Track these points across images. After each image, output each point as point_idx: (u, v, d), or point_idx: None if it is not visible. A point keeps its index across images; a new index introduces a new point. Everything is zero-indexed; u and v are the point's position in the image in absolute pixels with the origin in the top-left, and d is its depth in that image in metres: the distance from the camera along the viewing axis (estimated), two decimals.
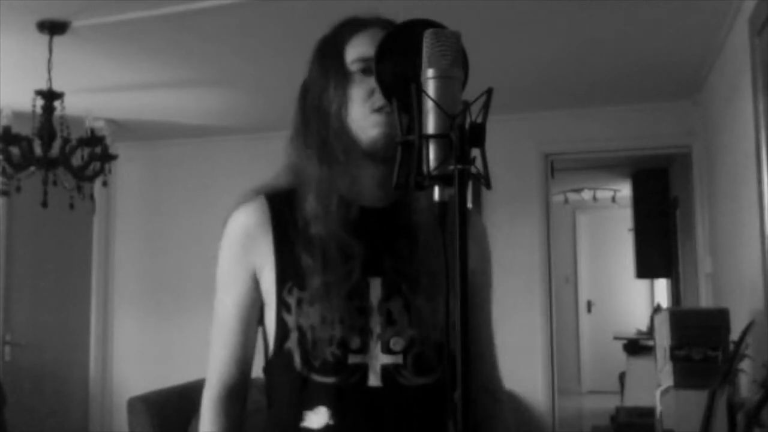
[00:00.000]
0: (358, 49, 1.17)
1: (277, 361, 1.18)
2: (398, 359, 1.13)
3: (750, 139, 2.58)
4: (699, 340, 2.34)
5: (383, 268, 1.15)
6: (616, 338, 6.52)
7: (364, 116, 1.14)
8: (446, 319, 0.96)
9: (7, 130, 3.13)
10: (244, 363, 1.25)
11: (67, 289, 5.13)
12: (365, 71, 1.14)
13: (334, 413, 1.12)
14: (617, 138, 4.55)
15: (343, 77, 1.16)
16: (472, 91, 0.96)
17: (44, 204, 3.14)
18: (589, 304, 8.83)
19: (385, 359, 1.13)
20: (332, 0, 2.83)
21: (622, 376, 5.90)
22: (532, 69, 3.76)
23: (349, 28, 1.20)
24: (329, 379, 1.12)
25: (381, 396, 1.12)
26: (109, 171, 3.47)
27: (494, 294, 1.35)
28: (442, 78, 0.89)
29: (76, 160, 3.37)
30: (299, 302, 1.14)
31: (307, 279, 1.13)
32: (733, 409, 2.05)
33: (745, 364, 2.13)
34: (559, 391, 4.68)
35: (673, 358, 2.35)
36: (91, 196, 3.60)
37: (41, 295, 4.87)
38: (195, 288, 5.14)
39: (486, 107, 0.89)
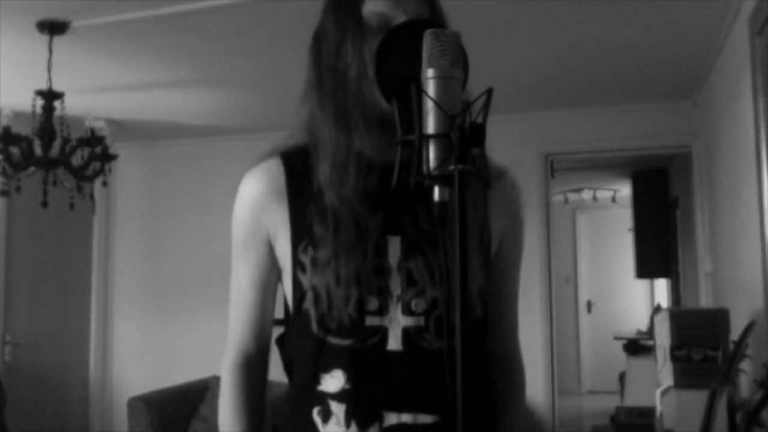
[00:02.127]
0: (377, 3, 1.11)
1: (296, 323, 1.14)
2: (420, 321, 1.08)
3: (750, 139, 2.58)
4: (699, 340, 2.34)
5: (402, 227, 1.10)
6: (616, 338, 6.51)
7: None
8: (446, 316, 0.96)
9: (7, 130, 3.14)
10: (262, 333, 1.22)
11: (67, 290, 5.13)
12: (384, 28, 1.08)
13: (351, 377, 1.08)
14: (617, 138, 4.55)
15: (361, 33, 1.10)
16: (472, 91, 0.96)
17: (44, 204, 3.15)
18: (589, 304, 8.83)
19: (406, 321, 1.08)
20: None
21: (622, 376, 5.90)
22: (532, 69, 3.76)
23: None
24: (345, 342, 1.08)
25: (401, 360, 1.07)
26: (109, 171, 3.47)
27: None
28: (442, 78, 0.89)
29: (76, 160, 3.37)
30: (314, 261, 1.09)
31: (322, 238, 1.09)
32: (733, 409, 2.05)
33: (745, 364, 2.13)
34: (559, 391, 4.68)
35: (673, 358, 2.35)
36: (91, 196, 3.60)
37: (41, 295, 4.87)
38: (195, 288, 5.14)
39: (486, 107, 0.89)
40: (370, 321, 1.08)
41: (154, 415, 4.14)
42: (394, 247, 1.10)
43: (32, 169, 3.21)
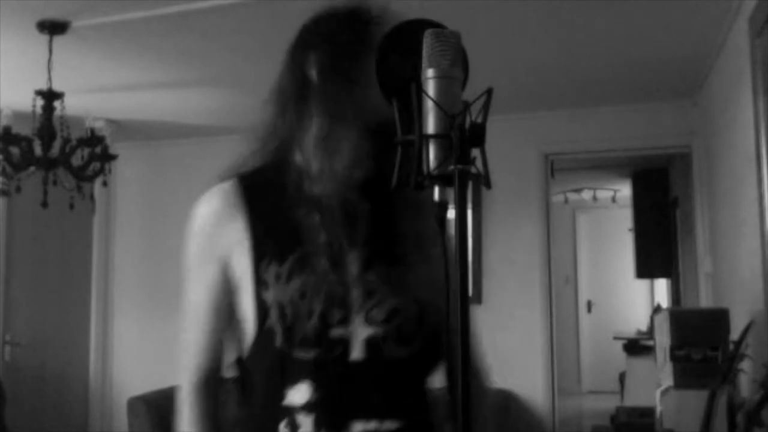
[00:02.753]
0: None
1: (258, 342, 1.16)
2: (380, 330, 1.12)
3: (750, 139, 2.58)
4: (699, 340, 2.34)
5: (363, 240, 1.15)
6: (616, 338, 6.52)
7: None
8: (447, 316, 0.96)
9: (7, 130, 3.14)
10: (217, 352, 1.24)
11: (67, 289, 5.13)
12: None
13: (317, 388, 1.11)
14: (617, 138, 4.55)
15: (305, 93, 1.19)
16: (472, 91, 0.96)
17: (44, 204, 3.15)
18: (589, 304, 8.84)
19: (367, 331, 1.12)
20: (331, 0, 2.84)
21: (622, 376, 5.90)
22: (532, 69, 3.76)
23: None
24: (310, 354, 1.11)
25: (363, 369, 1.11)
26: (109, 171, 3.47)
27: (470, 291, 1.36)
28: (442, 78, 0.89)
29: (76, 160, 3.37)
30: (277, 278, 1.12)
31: (284, 254, 1.13)
32: (733, 409, 2.05)
33: (745, 364, 2.13)
34: (559, 391, 4.68)
35: (673, 358, 2.35)
36: (91, 196, 3.60)
37: (41, 295, 4.87)
38: None
39: (486, 107, 0.89)
40: (334, 333, 1.11)
41: (154, 415, 4.14)
42: (354, 260, 1.14)
43: (32, 169, 3.21)
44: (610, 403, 5.42)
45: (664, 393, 2.37)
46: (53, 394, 4.89)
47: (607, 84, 4.06)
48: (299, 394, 1.11)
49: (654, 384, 2.56)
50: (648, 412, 2.65)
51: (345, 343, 1.11)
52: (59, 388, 4.97)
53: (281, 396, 1.12)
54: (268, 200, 1.17)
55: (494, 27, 3.10)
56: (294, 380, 1.12)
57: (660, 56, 3.54)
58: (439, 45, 0.89)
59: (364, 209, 1.15)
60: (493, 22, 3.05)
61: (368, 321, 1.12)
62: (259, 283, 1.14)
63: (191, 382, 1.24)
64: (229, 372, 1.27)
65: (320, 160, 1.15)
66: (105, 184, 3.49)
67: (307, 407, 1.10)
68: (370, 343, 1.11)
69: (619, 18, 3.04)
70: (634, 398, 4.46)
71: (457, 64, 0.90)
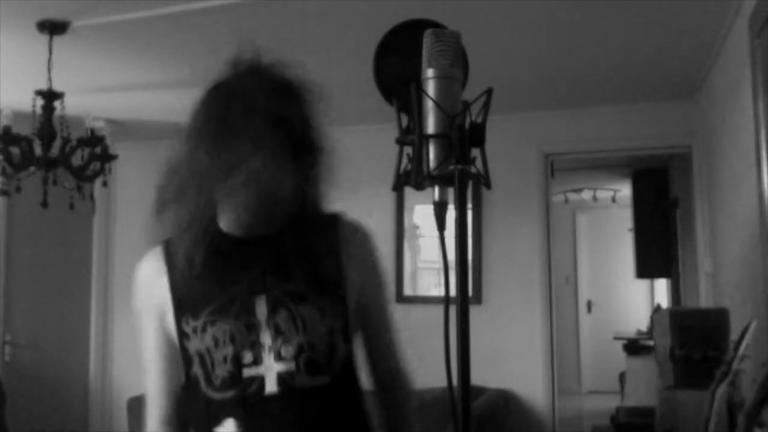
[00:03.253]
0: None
1: (187, 386, 1.31)
2: (290, 365, 1.23)
3: (750, 139, 2.58)
4: (699, 340, 2.34)
5: (266, 287, 1.26)
6: (616, 338, 6.52)
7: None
8: (446, 318, 0.96)
9: (7, 130, 3.13)
10: (173, 393, 1.37)
11: (67, 289, 5.13)
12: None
13: (240, 424, 1.23)
14: (617, 138, 4.55)
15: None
16: (472, 91, 0.95)
17: (44, 204, 3.14)
18: (589, 304, 8.83)
19: (279, 367, 1.23)
20: (331, 0, 2.84)
21: (622, 376, 5.90)
22: (532, 69, 3.75)
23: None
24: (229, 394, 1.23)
25: (279, 401, 1.22)
26: (109, 171, 3.47)
27: (390, 295, 1.48)
28: (442, 78, 0.89)
29: (76, 160, 3.36)
30: (194, 330, 1.26)
31: (200, 307, 1.26)
32: (733, 409, 2.05)
33: (745, 364, 2.13)
34: (559, 391, 4.68)
35: (673, 358, 2.35)
36: (91, 196, 3.60)
37: (41, 295, 4.87)
38: None
39: (486, 107, 0.89)
40: (248, 372, 1.24)
41: None
42: (261, 306, 1.26)
43: (32, 169, 3.21)
44: (610, 403, 5.42)
45: (664, 393, 2.37)
46: (53, 394, 4.89)
47: (607, 84, 4.06)
48: (226, 430, 1.24)
49: (654, 384, 2.56)
50: (648, 412, 2.65)
51: (260, 380, 1.23)
52: (59, 388, 4.97)
53: None
54: (185, 261, 1.29)
55: (494, 27, 3.10)
56: (219, 419, 1.24)
57: (660, 56, 3.54)
58: (439, 45, 0.89)
59: (266, 257, 1.28)
60: (493, 22, 3.05)
61: (279, 358, 1.24)
62: (182, 336, 1.28)
63: (155, 421, 1.37)
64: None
65: (224, 221, 1.30)
66: (105, 184, 3.49)
67: None
68: (282, 377, 1.23)
69: (619, 18, 3.04)
70: (634, 398, 4.46)
71: (457, 64, 0.90)
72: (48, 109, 3.23)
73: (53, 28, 3.03)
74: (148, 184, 5.16)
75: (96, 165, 3.39)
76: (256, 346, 1.24)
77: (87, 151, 3.35)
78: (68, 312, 5.12)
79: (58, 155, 3.23)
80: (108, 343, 5.32)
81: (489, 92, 0.89)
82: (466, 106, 0.88)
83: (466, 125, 0.86)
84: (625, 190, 7.46)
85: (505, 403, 4.36)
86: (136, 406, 4.18)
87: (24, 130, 3.22)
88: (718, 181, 3.62)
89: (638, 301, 8.33)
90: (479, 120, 0.88)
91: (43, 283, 4.89)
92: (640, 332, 6.58)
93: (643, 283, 8.12)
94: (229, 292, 1.26)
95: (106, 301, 5.33)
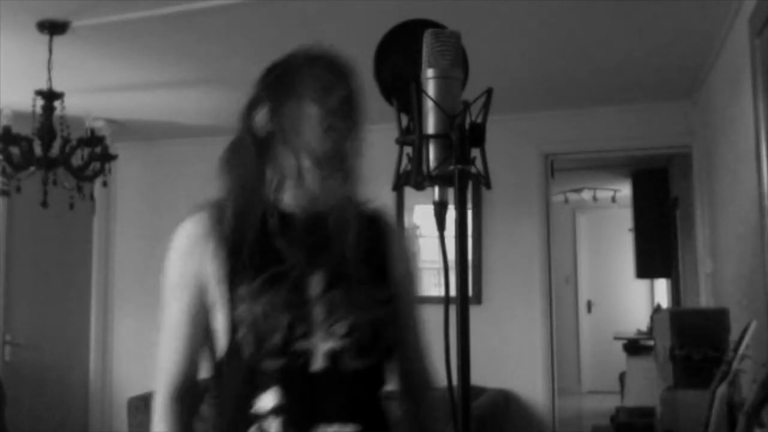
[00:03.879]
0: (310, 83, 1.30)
1: (229, 355, 1.27)
2: (340, 344, 1.23)
3: (750, 139, 2.58)
4: (699, 340, 2.34)
5: (321, 264, 1.26)
6: (616, 338, 6.52)
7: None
8: (446, 317, 0.96)
9: (7, 130, 3.13)
10: (192, 368, 1.36)
11: (67, 289, 5.13)
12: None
13: (283, 394, 1.22)
14: (617, 138, 4.55)
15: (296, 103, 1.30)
16: (472, 91, 0.95)
17: (44, 204, 3.14)
18: (589, 304, 8.83)
19: (328, 344, 1.23)
20: (331, 0, 2.84)
21: (622, 376, 5.90)
22: (533, 69, 3.75)
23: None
24: (277, 363, 1.22)
25: (325, 378, 1.22)
26: (109, 171, 3.47)
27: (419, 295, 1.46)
28: (442, 78, 0.89)
29: (76, 160, 3.36)
30: (247, 295, 1.23)
31: (254, 275, 1.24)
32: (733, 409, 2.05)
33: (745, 364, 2.13)
34: (559, 391, 4.68)
35: (673, 358, 2.35)
36: (91, 196, 3.60)
37: (41, 295, 4.87)
38: None
39: (486, 107, 0.89)
40: (298, 345, 1.22)
41: None
42: (317, 281, 1.26)
43: (32, 169, 3.21)
44: (610, 403, 5.42)
45: (664, 393, 2.37)
46: (53, 394, 4.89)
47: (607, 84, 4.06)
48: (268, 399, 1.22)
49: (654, 384, 2.56)
50: (648, 412, 2.65)
51: (308, 355, 1.22)
52: (59, 388, 4.97)
53: (250, 404, 1.24)
54: (240, 226, 1.28)
55: (494, 27, 3.10)
56: (263, 388, 1.23)
57: (660, 56, 3.54)
58: (439, 45, 0.89)
59: (321, 236, 1.28)
60: (493, 22, 3.05)
61: (329, 335, 1.23)
62: (231, 302, 1.25)
63: (165, 395, 1.35)
64: (204, 384, 1.39)
65: (289, 191, 1.29)
66: (105, 184, 3.49)
67: (276, 411, 1.22)
68: (330, 355, 1.23)
69: (619, 18, 3.04)
70: (634, 398, 4.46)
71: (457, 64, 0.90)
72: (48, 109, 3.23)
73: (53, 28, 3.03)
74: (148, 184, 5.18)
75: (96, 165, 3.39)
76: (307, 320, 1.23)
77: (87, 151, 3.36)
78: (68, 312, 5.12)
79: (58, 155, 3.23)
80: (108, 343, 5.32)
81: (489, 92, 0.89)
82: (466, 106, 0.88)
83: (466, 125, 0.86)
84: (625, 190, 7.46)
85: (505, 403, 4.35)
86: (136, 406, 4.18)
87: (24, 130, 3.22)
88: (718, 181, 3.62)
89: (638, 301, 8.33)
90: (479, 120, 0.88)
91: (43, 283, 4.89)
92: (640, 332, 6.58)
93: (643, 283, 8.12)
94: (285, 265, 1.25)
95: (106, 301, 5.33)
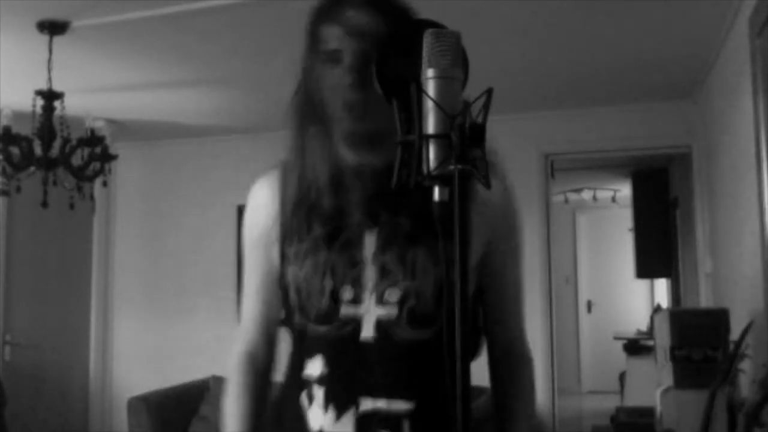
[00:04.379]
0: (325, 35, 1.17)
1: (286, 315, 1.24)
2: (393, 312, 1.13)
3: (750, 139, 2.58)
4: (699, 340, 2.34)
5: (379, 221, 1.16)
6: (616, 338, 6.52)
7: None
8: (446, 311, 0.96)
9: (7, 130, 3.13)
10: (267, 326, 1.30)
11: (67, 289, 5.13)
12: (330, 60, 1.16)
13: (328, 363, 1.15)
14: (617, 138, 4.55)
15: (317, 61, 1.18)
16: (472, 91, 0.95)
17: (44, 204, 3.15)
18: (589, 304, 8.83)
19: (380, 312, 1.13)
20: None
21: (622, 376, 5.90)
22: (532, 69, 3.76)
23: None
24: (323, 329, 1.15)
25: (373, 349, 1.13)
26: (109, 171, 3.47)
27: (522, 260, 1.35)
28: (442, 78, 0.89)
29: (76, 160, 3.37)
30: (296, 254, 1.18)
31: (305, 233, 1.17)
32: (733, 409, 2.05)
33: (745, 364, 2.13)
34: (559, 391, 4.68)
35: (673, 358, 2.35)
36: (91, 196, 3.60)
37: (41, 295, 4.87)
38: (195, 288, 5.14)
39: (486, 107, 0.89)
40: (345, 310, 1.14)
41: (154, 415, 4.14)
42: (370, 241, 1.15)
43: (32, 169, 3.21)
44: (610, 403, 5.41)
45: (664, 393, 2.37)
46: (53, 394, 4.89)
47: (607, 84, 4.06)
48: (315, 366, 1.16)
49: (654, 384, 2.56)
50: (648, 412, 2.65)
51: (357, 322, 1.13)
52: (59, 388, 4.97)
53: (302, 367, 1.18)
54: (298, 185, 1.21)
55: (494, 27, 3.10)
56: (310, 353, 1.17)
57: (660, 56, 3.54)
58: (439, 45, 0.89)
59: (381, 190, 1.13)
60: (493, 22, 3.05)
61: (381, 301, 1.13)
62: (283, 259, 1.20)
63: (237, 352, 1.31)
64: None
65: (346, 148, 1.18)
66: (105, 184, 3.49)
67: (320, 380, 1.15)
68: (382, 324, 1.13)
69: (619, 18, 3.04)
70: (634, 398, 4.46)
71: (457, 64, 0.90)
72: (48, 109, 3.23)
73: (53, 28, 3.03)
74: (148, 184, 5.17)
75: (96, 165, 3.40)
76: (357, 284, 1.14)
77: (87, 151, 3.36)
78: (68, 312, 5.12)
79: (58, 155, 3.24)
80: (108, 343, 5.32)
81: (489, 92, 0.89)
82: (467, 106, 0.88)
83: (467, 125, 0.86)
84: (625, 190, 7.46)
85: None
86: (136, 406, 4.18)
87: (24, 130, 3.22)
88: (718, 181, 3.62)
89: (638, 301, 8.33)
90: (479, 120, 0.88)
91: (43, 283, 4.89)
92: (640, 332, 6.58)
93: (643, 283, 8.12)
94: (337, 222, 1.16)
95: (106, 301, 5.33)
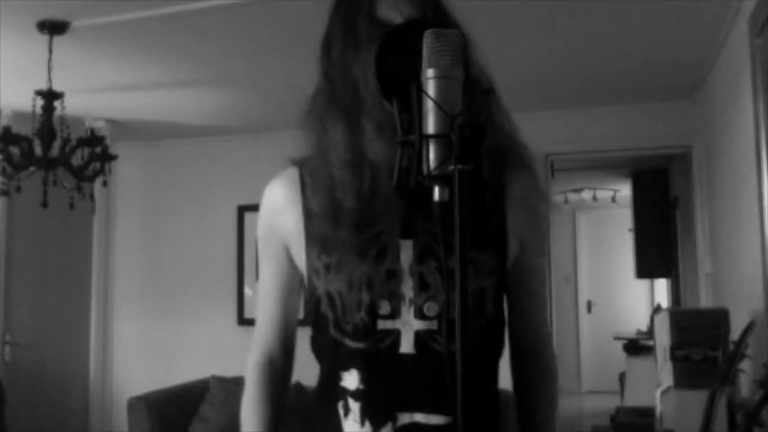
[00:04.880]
0: (384, 10, 1.13)
1: (316, 325, 1.19)
2: (432, 325, 1.09)
3: (750, 139, 2.58)
4: (699, 340, 2.34)
5: (415, 230, 1.10)
6: (616, 338, 6.51)
7: None
8: (446, 316, 0.96)
9: (7, 130, 3.14)
10: (285, 331, 1.27)
11: (67, 289, 5.13)
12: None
13: (365, 378, 1.11)
14: (617, 138, 4.55)
15: (373, 38, 1.08)
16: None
17: (44, 204, 3.15)
18: (589, 304, 8.83)
19: (419, 325, 1.09)
20: (332, 0, 2.84)
21: (622, 376, 5.90)
22: (532, 69, 3.75)
23: None
24: (359, 344, 1.11)
25: (414, 363, 1.09)
26: (109, 171, 3.47)
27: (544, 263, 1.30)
28: (442, 78, 0.89)
29: (76, 160, 3.37)
30: (327, 267, 1.12)
31: (336, 243, 1.11)
32: (733, 409, 2.05)
33: (745, 364, 2.13)
34: (560, 391, 4.68)
35: (673, 358, 2.35)
36: (91, 196, 3.60)
37: (41, 295, 4.86)
38: (195, 288, 5.14)
39: (486, 107, 0.89)
40: (383, 324, 1.10)
41: (154, 415, 4.14)
42: (407, 251, 1.11)
43: (32, 169, 3.21)
44: (610, 403, 5.42)
45: (664, 393, 2.37)
46: (53, 394, 4.89)
47: (607, 84, 4.06)
48: (351, 379, 1.12)
49: (654, 384, 2.56)
50: (648, 412, 2.65)
51: (395, 336, 1.10)
52: (59, 388, 4.97)
53: (338, 377, 1.14)
54: (325, 190, 1.14)
55: (494, 27, 3.10)
56: (346, 366, 1.13)
57: (660, 56, 3.54)
58: (439, 45, 0.89)
59: (418, 197, 1.03)
60: (493, 22, 3.05)
61: (420, 315, 1.10)
62: (311, 271, 1.15)
63: (254, 360, 1.27)
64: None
65: (378, 153, 1.10)
66: (105, 184, 3.49)
67: (356, 394, 1.12)
68: (422, 338, 1.09)
69: (619, 18, 3.04)
70: (634, 398, 4.45)
71: (457, 64, 0.90)
72: (48, 109, 3.23)
73: (53, 28, 3.03)
74: (148, 184, 5.18)
75: (96, 165, 3.40)
76: (395, 297, 1.09)
77: (87, 151, 3.36)
78: (68, 312, 5.12)
79: (58, 155, 3.24)
80: (108, 343, 5.32)
81: (489, 92, 0.89)
82: (467, 106, 0.88)
83: (467, 125, 0.86)
84: (625, 190, 7.46)
85: (505, 403, 4.35)
86: (136, 406, 4.18)
87: (24, 130, 3.22)
88: (718, 181, 3.62)
89: (638, 301, 8.33)
90: (479, 120, 0.88)
91: (43, 283, 4.89)
92: (640, 332, 6.57)
93: (643, 283, 8.12)
94: (372, 231, 1.09)
95: (105, 301, 5.33)
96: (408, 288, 1.10)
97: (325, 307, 1.14)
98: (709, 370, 2.26)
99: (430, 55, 0.89)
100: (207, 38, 3.23)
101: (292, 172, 1.21)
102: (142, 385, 4.60)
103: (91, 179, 3.42)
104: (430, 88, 0.88)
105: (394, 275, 1.10)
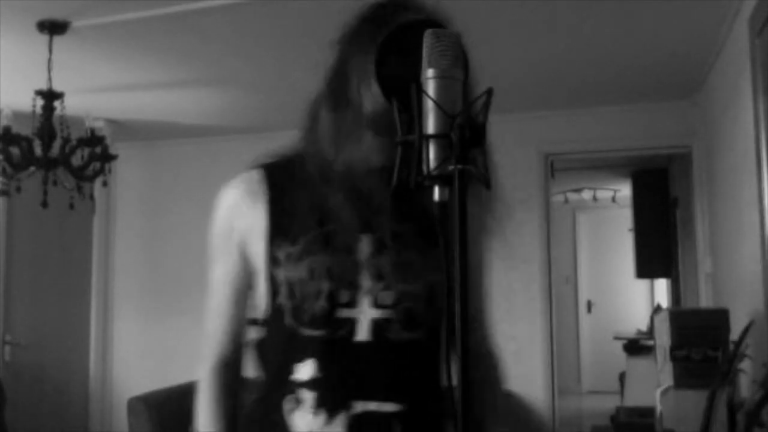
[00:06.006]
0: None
1: (270, 318, 1.20)
2: (387, 314, 1.14)
3: (750, 139, 2.58)
4: (699, 340, 2.34)
5: (374, 226, 1.16)
6: (616, 338, 6.52)
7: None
8: (447, 315, 0.96)
9: (7, 130, 3.14)
10: (238, 333, 1.28)
11: (67, 289, 5.13)
12: None
13: (322, 366, 1.14)
14: (617, 138, 4.55)
15: (374, 37, 1.12)
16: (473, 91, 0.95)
17: (44, 204, 3.15)
18: (589, 304, 8.84)
19: (375, 313, 1.14)
20: (332, 0, 2.84)
21: (622, 376, 5.90)
22: (532, 69, 3.76)
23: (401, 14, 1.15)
24: (317, 332, 1.14)
25: (368, 350, 1.14)
26: (109, 171, 3.47)
27: (491, 269, 1.40)
28: (442, 78, 0.89)
29: (76, 160, 3.37)
30: (288, 257, 1.16)
31: (298, 234, 1.16)
32: (733, 409, 2.05)
33: (745, 364, 2.13)
34: (559, 391, 4.68)
35: (673, 358, 2.35)
36: (91, 196, 3.60)
37: (41, 295, 4.86)
38: (195, 288, 5.13)
39: (486, 107, 0.89)
40: (341, 313, 1.14)
41: (154, 415, 4.14)
42: (365, 244, 1.16)
43: (32, 169, 3.21)
44: (610, 403, 5.41)
45: (664, 393, 2.37)
46: (53, 394, 4.89)
47: (607, 84, 4.06)
48: (305, 370, 1.15)
49: (654, 384, 2.56)
50: (648, 412, 2.65)
51: (352, 324, 1.14)
52: (59, 388, 4.97)
53: (289, 371, 1.16)
54: (287, 186, 1.19)
55: (494, 27, 3.10)
56: (301, 356, 1.15)
57: (660, 56, 3.54)
58: (439, 45, 0.89)
59: (380, 194, 1.14)
60: (493, 22, 3.05)
61: (376, 304, 1.14)
62: (272, 261, 1.17)
63: (208, 366, 1.28)
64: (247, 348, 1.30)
65: (338, 148, 1.15)
66: (105, 184, 3.49)
67: (311, 384, 1.14)
68: (377, 325, 1.14)
69: (619, 18, 3.04)
70: (634, 398, 4.45)
71: (457, 64, 0.90)
72: (48, 109, 3.23)
73: (53, 28, 3.03)
74: (148, 184, 5.17)
75: (96, 165, 3.40)
76: (353, 287, 1.14)
77: (87, 151, 3.36)
78: (68, 312, 5.12)
79: (58, 155, 3.24)
80: (108, 343, 5.32)
81: (489, 92, 0.89)
82: (467, 106, 0.88)
83: (466, 125, 0.86)
84: (625, 190, 7.46)
85: (506, 403, 4.35)
86: (136, 406, 4.18)
87: (24, 130, 3.22)
88: (718, 181, 3.62)
89: (638, 301, 8.33)
90: (480, 120, 0.88)
91: (43, 283, 4.89)
92: (640, 332, 6.58)
93: (643, 283, 8.12)
94: (333, 224, 1.15)
95: (106, 301, 5.33)
96: (365, 279, 1.15)
97: (283, 297, 1.16)
98: (709, 370, 2.26)
99: (430, 55, 0.89)
100: (207, 38, 3.23)
101: (254, 173, 1.24)
102: (142, 385, 4.60)
103: (91, 179, 3.42)
104: (430, 88, 0.89)
105: (352, 266, 1.15)
